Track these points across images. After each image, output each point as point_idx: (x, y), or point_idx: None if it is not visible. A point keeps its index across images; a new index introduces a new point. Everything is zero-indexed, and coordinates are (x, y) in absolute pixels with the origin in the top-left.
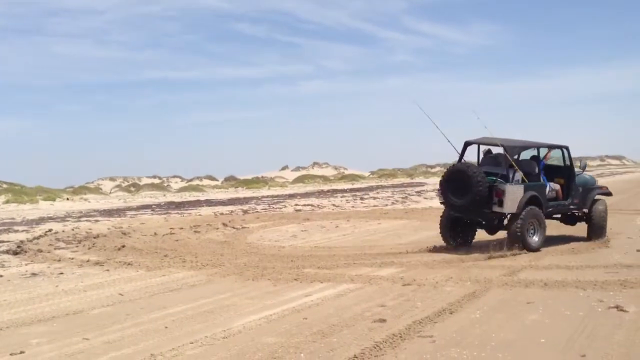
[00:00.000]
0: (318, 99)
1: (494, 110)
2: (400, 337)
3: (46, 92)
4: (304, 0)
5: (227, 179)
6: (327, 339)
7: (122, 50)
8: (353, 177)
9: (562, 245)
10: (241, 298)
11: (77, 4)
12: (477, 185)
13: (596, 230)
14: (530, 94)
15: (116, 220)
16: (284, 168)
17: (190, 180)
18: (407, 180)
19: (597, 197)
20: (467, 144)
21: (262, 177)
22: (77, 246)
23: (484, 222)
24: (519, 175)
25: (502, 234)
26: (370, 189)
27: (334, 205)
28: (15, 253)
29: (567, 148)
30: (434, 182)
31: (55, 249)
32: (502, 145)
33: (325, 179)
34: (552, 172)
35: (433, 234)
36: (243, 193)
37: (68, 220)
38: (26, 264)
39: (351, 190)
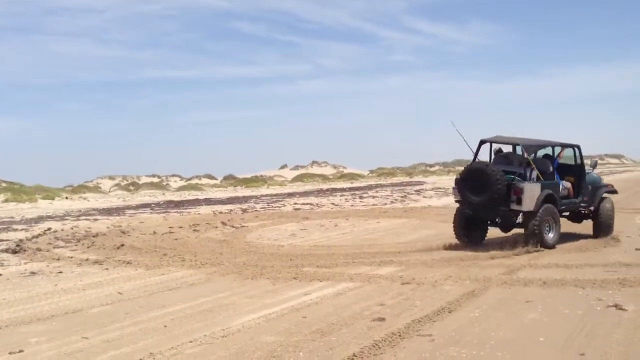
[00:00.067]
0: (317, 98)
1: (493, 109)
2: (400, 335)
3: (45, 91)
4: (303, 0)
5: (226, 178)
6: (326, 338)
7: (121, 49)
8: (352, 176)
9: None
10: (240, 297)
11: (76, 2)
12: (496, 184)
13: (604, 228)
14: (530, 93)
15: (115, 219)
16: (283, 167)
17: (190, 179)
18: (406, 179)
19: (604, 195)
20: (482, 143)
21: (261, 176)
22: (76, 245)
23: (498, 220)
24: (534, 173)
25: (494, 233)
26: (370, 187)
27: (333, 204)
28: (15, 252)
29: (578, 147)
30: (433, 181)
31: (54, 247)
32: (520, 144)
33: (324, 177)
34: (563, 170)
35: (432, 233)
36: (242, 192)
37: (67, 219)
38: (25, 263)
39: (350, 189)
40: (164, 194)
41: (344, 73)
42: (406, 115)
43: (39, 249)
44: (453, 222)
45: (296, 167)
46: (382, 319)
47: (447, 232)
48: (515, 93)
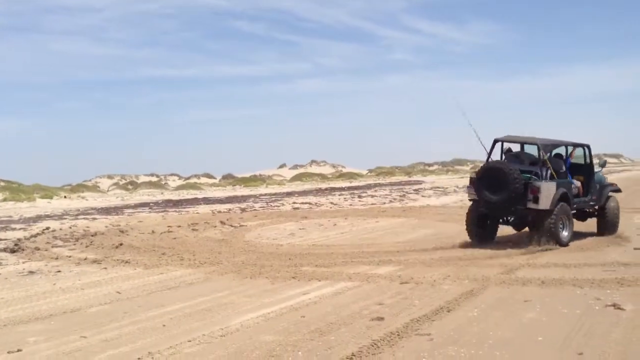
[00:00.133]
0: (316, 97)
1: (493, 109)
2: (398, 335)
3: (44, 90)
4: None
5: (224, 177)
6: (324, 337)
7: (119, 48)
8: (351, 175)
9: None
10: (239, 296)
11: (74, 1)
12: (514, 183)
13: (609, 227)
14: (530, 93)
15: (114, 218)
16: (281, 166)
17: (188, 178)
18: (405, 178)
19: (610, 194)
20: (496, 142)
21: (260, 175)
22: (74, 244)
23: (510, 219)
24: (548, 172)
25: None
26: (368, 187)
27: (331, 203)
28: (13, 251)
29: (588, 146)
30: (432, 180)
31: (52, 247)
32: (537, 144)
33: (323, 177)
34: (573, 169)
35: (431, 232)
36: (241, 191)
37: (65, 218)
38: (23, 262)
39: (349, 188)
40: (162, 193)
41: (343, 72)
42: (405, 115)
43: (37, 248)
44: (466, 220)
45: (295, 167)
46: (381, 319)
47: (446, 232)
48: (515, 92)
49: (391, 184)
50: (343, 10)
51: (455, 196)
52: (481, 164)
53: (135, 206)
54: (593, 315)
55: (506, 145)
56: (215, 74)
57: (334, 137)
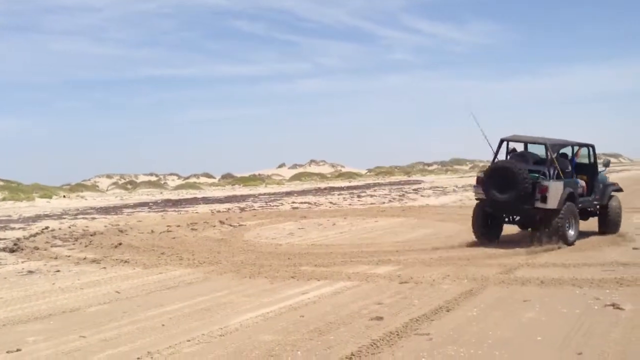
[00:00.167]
0: (316, 97)
1: (493, 109)
2: (397, 334)
3: (44, 90)
4: None
5: (224, 177)
6: (324, 337)
7: (119, 48)
8: (350, 175)
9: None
10: (238, 296)
11: (74, 1)
12: (523, 182)
13: (612, 226)
14: (530, 93)
15: (113, 217)
16: (281, 166)
17: (187, 178)
18: (404, 178)
19: (612, 193)
20: (502, 141)
21: (259, 174)
22: (73, 244)
23: (516, 218)
24: (555, 172)
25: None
26: (368, 186)
27: (331, 203)
28: (12, 250)
29: (592, 147)
30: (431, 180)
31: (51, 246)
32: (546, 144)
33: (322, 176)
34: (577, 169)
35: (430, 232)
36: (240, 191)
37: (65, 218)
38: (23, 262)
39: (348, 188)
40: (161, 192)
41: (343, 72)
42: (405, 115)
43: (36, 248)
44: (472, 219)
45: (294, 166)
46: (380, 318)
47: (445, 231)
48: (514, 92)
49: (390, 184)
50: (343, 10)
51: (454, 196)
52: (480, 164)
53: (135, 206)
54: (592, 315)
55: (510, 145)
56: (215, 73)
57: (333, 137)
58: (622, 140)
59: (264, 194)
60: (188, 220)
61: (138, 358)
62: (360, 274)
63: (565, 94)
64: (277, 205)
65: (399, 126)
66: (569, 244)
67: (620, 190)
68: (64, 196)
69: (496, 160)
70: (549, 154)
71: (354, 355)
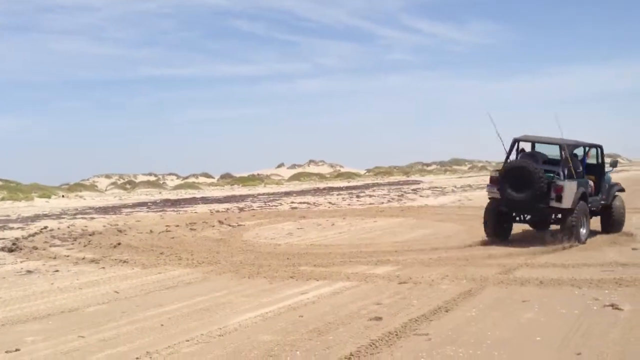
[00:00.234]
0: (316, 97)
1: (493, 109)
2: (396, 335)
3: (44, 89)
4: None
5: (223, 177)
6: (323, 337)
7: (118, 47)
8: (349, 175)
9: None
10: (237, 296)
11: (73, 0)
12: (539, 182)
13: (616, 225)
14: (530, 92)
15: (112, 217)
16: (279, 166)
17: (186, 177)
18: (403, 178)
19: (616, 193)
20: (515, 141)
21: (258, 174)
22: (72, 244)
23: (526, 217)
24: (567, 172)
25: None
26: (366, 186)
27: (330, 203)
28: (11, 250)
29: (601, 147)
30: (430, 180)
31: (50, 246)
32: (559, 144)
33: (321, 176)
34: (586, 169)
35: (429, 232)
36: (239, 191)
37: (63, 218)
38: (21, 262)
39: (347, 188)
40: (160, 192)
41: (342, 72)
42: (404, 115)
43: (35, 248)
44: (484, 218)
45: (293, 166)
46: (379, 318)
47: (444, 232)
48: (514, 92)
49: (389, 184)
50: (342, 10)
51: (453, 196)
52: (479, 164)
53: (133, 206)
54: (591, 316)
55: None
56: (215, 73)
57: (332, 137)
58: (621, 141)
59: (263, 194)
60: (187, 220)
61: (137, 358)
62: (359, 274)
63: (565, 93)
64: (276, 206)
65: (398, 126)
66: (581, 242)
67: (622, 190)
68: (63, 196)
69: (510, 160)
70: (563, 153)
71: (352, 355)
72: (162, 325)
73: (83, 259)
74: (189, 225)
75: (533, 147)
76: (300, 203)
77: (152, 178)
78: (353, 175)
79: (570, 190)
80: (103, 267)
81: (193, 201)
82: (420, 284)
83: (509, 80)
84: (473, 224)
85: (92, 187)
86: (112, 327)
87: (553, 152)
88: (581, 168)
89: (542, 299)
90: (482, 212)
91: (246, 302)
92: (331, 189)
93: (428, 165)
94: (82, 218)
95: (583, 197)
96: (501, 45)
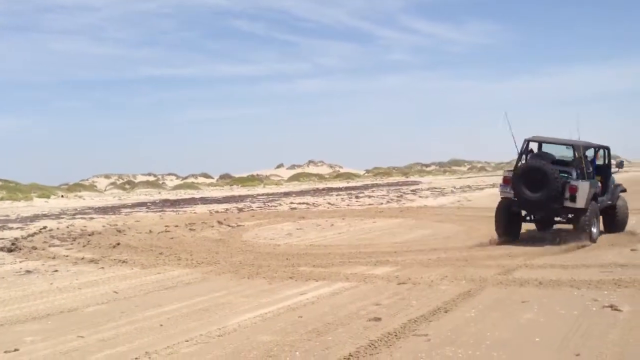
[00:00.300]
0: (315, 97)
1: (493, 109)
2: (395, 335)
3: (44, 89)
4: None
5: (222, 177)
6: (322, 338)
7: (118, 47)
8: (348, 176)
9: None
10: (236, 296)
11: (73, 0)
12: (555, 182)
13: (620, 225)
14: (529, 92)
15: (111, 217)
16: (279, 166)
17: (186, 178)
18: (402, 178)
19: (620, 193)
20: (527, 142)
21: (258, 175)
22: (71, 244)
23: (535, 217)
24: (578, 172)
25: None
26: (366, 187)
27: (329, 203)
28: (10, 250)
29: (608, 148)
30: (429, 180)
31: (49, 246)
32: (574, 145)
33: (320, 177)
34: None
35: (428, 233)
36: (238, 191)
37: (63, 218)
38: (20, 262)
39: (346, 188)
40: (160, 192)
41: (342, 72)
42: (403, 115)
43: (34, 248)
44: (495, 218)
45: (292, 167)
46: (378, 319)
47: (443, 232)
48: (514, 92)
49: (388, 185)
50: (342, 10)
51: (452, 197)
52: (478, 165)
53: (133, 206)
54: (590, 316)
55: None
56: (215, 73)
57: (332, 137)
58: (621, 141)
59: (262, 195)
60: (186, 221)
61: (136, 358)
62: (358, 275)
63: (565, 93)
64: (276, 206)
65: (397, 126)
66: (593, 241)
67: (624, 190)
68: (62, 196)
69: (523, 160)
70: (577, 154)
71: (352, 355)
72: (161, 325)
73: (82, 259)
74: (188, 225)
75: (540, 147)
76: (300, 203)
77: (152, 178)
78: (352, 176)
79: (583, 190)
80: (102, 267)
81: (192, 201)
82: (420, 284)
83: (509, 80)
84: (472, 225)
85: (92, 187)
86: (111, 327)
87: (560, 152)
88: (591, 169)
89: (542, 299)
90: (481, 213)
91: (245, 303)
92: (330, 189)
93: (427, 165)
94: (81, 218)
95: (594, 197)
96: (501, 46)
